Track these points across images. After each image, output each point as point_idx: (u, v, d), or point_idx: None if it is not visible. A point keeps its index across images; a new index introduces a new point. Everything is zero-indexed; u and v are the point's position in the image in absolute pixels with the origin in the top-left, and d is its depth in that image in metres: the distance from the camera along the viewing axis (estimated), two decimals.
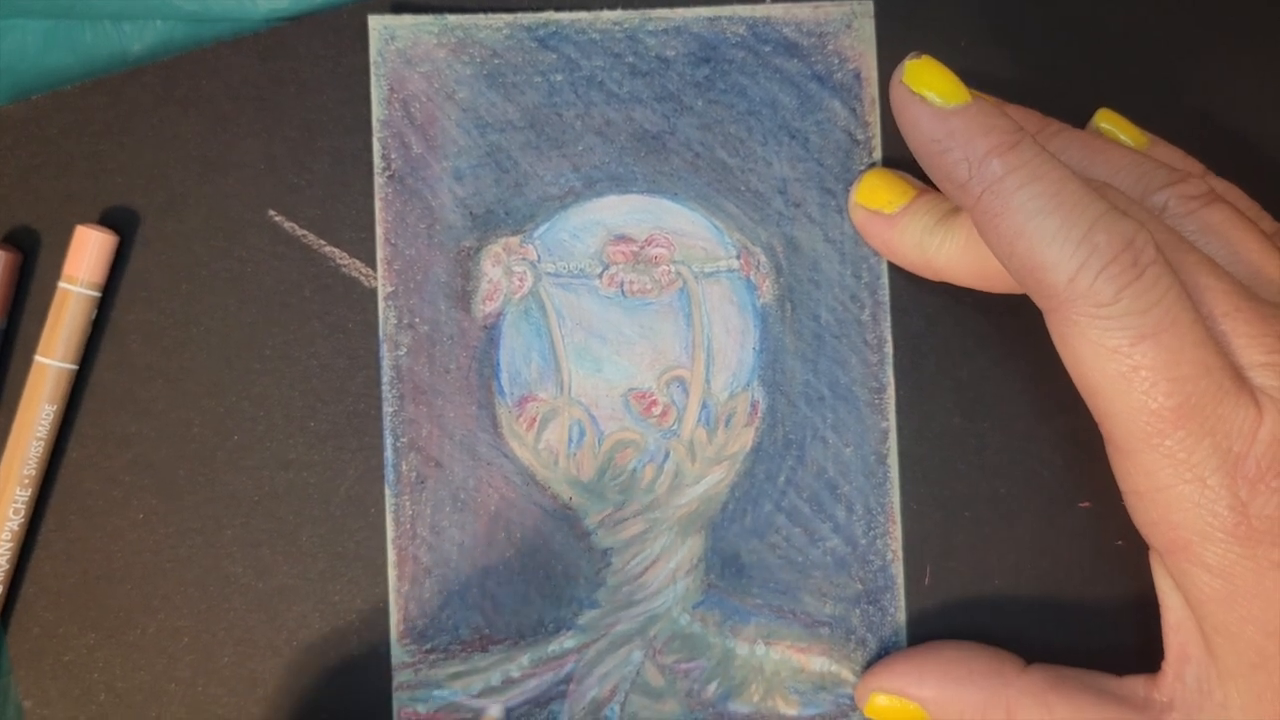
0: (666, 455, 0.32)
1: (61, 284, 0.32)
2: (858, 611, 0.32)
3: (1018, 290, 0.29)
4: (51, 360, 0.32)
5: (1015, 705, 0.29)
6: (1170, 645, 0.28)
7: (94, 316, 0.32)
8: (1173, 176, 0.29)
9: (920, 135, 0.27)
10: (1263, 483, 0.25)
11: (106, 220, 0.33)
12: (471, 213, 0.33)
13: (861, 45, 0.33)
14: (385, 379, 0.32)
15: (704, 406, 0.32)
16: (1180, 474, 0.26)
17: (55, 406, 0.32)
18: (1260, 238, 0.28)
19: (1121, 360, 0.25)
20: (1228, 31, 0.34)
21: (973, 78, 0.27)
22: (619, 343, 0.33)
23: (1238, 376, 0.26)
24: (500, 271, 0.33)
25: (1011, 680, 0.30)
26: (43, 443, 0.32)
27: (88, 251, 0.32)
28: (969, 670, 0.30)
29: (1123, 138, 0.32)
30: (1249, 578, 0.26)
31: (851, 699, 0.32)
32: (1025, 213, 0.25)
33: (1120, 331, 0.25)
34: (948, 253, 0.30)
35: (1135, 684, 0.29)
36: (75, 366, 0.32)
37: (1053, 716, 0.29)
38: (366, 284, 0.33)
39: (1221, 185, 0.31)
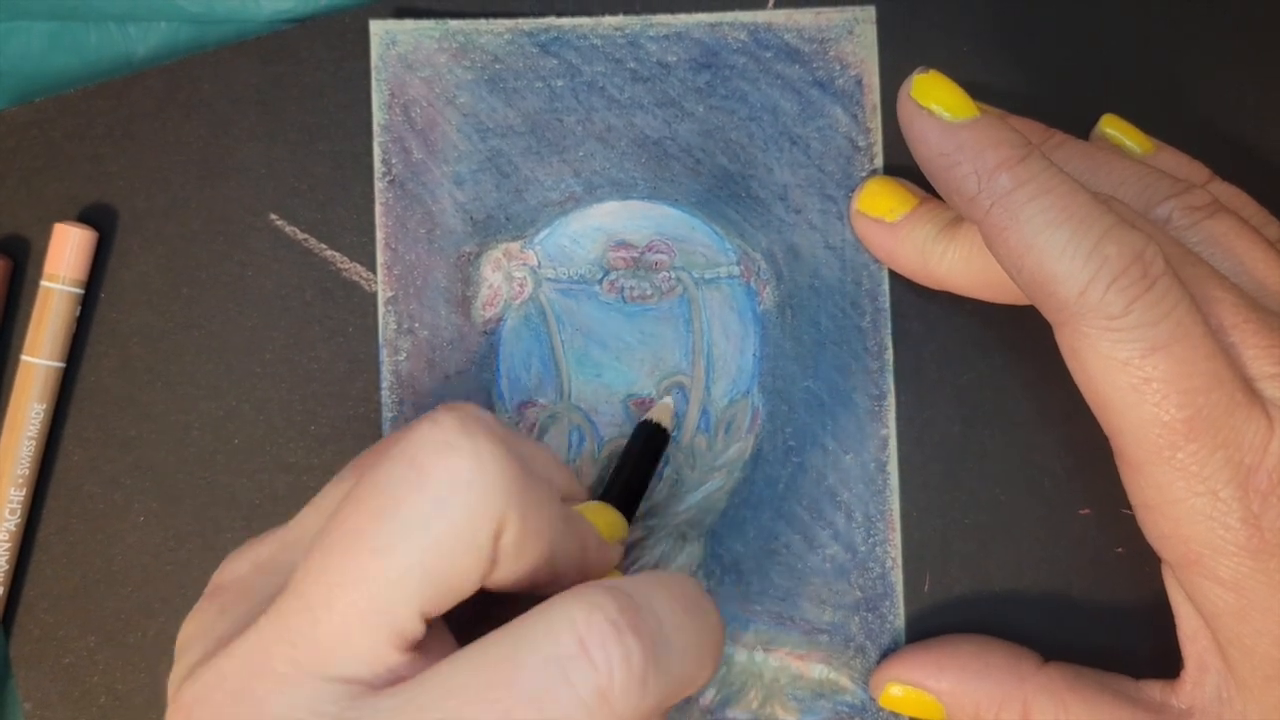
0: (666, 462, 0.32)
1: (44, 282, 0.32)
2: (857, 619, 0.32)
3: (1019, 300, 0.29)
4: (37, 359, 0.32)
5: (1032, 702, 0.29)
6: (1188, 654, 0.28)
7: (78, 314, 0.32)
8: (1176, 187, 0.29)
9: (928, 149, 0.27)
10: (1275, 495, 0.25)
11: (103, 221, 0.33)
12: (472, 218, 0.33)
13: (863, 51, 0.33)
14: (385, 384, 0.32)
15: (704, 413, 0.32)
16: (1192, 487, 0.25)
17: (44, 405, 0.32)
18: (1265, 248, 0.28)
19: (1133, 373, 0.25)
20: (1230, 37, 0.33)
21: (975, 84, 0.27)
22: (619, 349, 0.33)
23: (1248, 389, 0.26)
24: (500, 277, 0.33)
25: (1029, 677, 0.30)
26: (34, 442, 0.32)
27: (68, 248, 0.32)
28: (986, 664, 0.30)
29: (1128, 143, 0.32)
30: (1261, 591, 0.26)
31: (850, 706, 0.32)
32: (1034, 226, 0.25)
33: (1131, 344, 0.25)
34: (949, 262, 0.30)
35: (1153, 689, 0.29)
36: (61, 365, 0.32)
37: (1069, 715, 0.29)
38: (367, 288, 0.33)
39: (1227, 191, 0.30)
